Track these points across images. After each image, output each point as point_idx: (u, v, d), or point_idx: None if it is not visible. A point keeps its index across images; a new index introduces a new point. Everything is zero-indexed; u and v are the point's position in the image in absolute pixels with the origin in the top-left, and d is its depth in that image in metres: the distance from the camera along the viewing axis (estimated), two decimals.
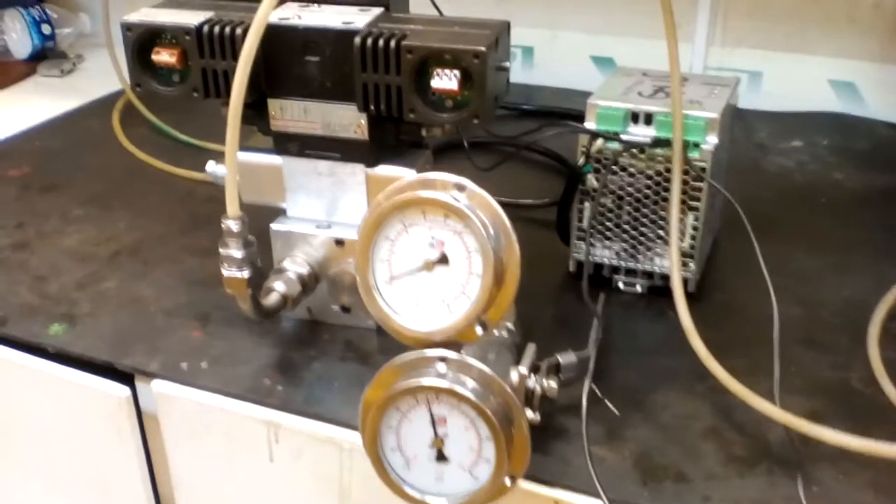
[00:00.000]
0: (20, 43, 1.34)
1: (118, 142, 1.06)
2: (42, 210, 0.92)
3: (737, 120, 0.81)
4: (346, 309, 0.72)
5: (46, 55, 1.36)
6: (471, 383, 0.50)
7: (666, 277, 0.75)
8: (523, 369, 0.57)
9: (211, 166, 0.71)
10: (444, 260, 0.51)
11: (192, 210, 0.91)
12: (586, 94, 0.75)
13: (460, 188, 0.50)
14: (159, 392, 0.67)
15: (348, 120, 0.65)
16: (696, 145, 0.70)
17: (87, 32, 1.41)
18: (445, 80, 0.59)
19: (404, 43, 0.60)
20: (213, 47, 0.63)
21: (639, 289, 0.77)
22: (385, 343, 0.67)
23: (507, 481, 0.52)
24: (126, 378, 0.69)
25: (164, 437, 0.69)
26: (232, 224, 0.60)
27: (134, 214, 0.91)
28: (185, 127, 1.07)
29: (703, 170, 0.71)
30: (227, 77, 0.64)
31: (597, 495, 0.56)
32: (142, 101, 1.13)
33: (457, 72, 0.59)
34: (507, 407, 0.51)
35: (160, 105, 1.12)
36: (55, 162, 1.03)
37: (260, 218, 0.69)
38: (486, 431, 0.50)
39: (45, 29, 1.34)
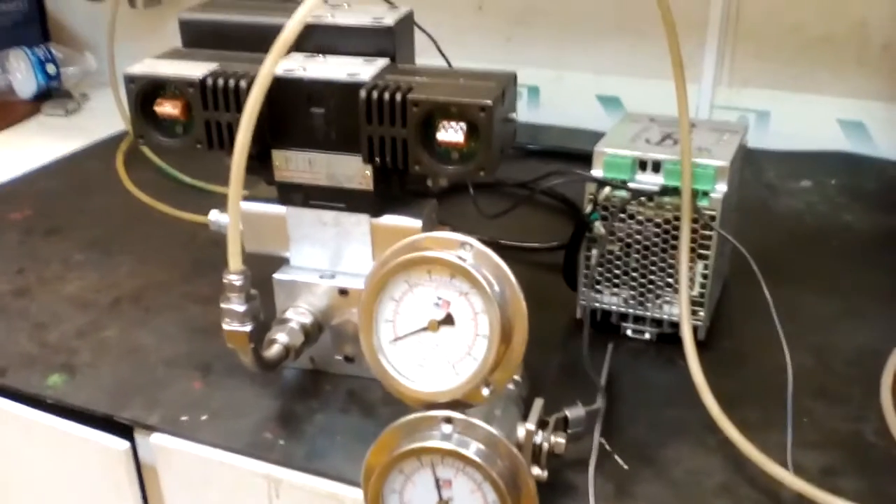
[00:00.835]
0: (24, 82, 1.34)
1: (121, 184, 1.06)
2: (43, 255, 0.91)
3: (745, 161, 0.80)
4: (349, 359, 0.71)
5: (51, 94, 1.36)
6: (476, 446, 0.49)
7: (675, 325, 0.73)
8: (531, 426, 0.56)
9: (214, 215, 0.71)
10: (449, 320, 0.50)
11: (194, 255, 0.90)
12: (592, 133, 0.74)
13: (467, 247, 0.49)
14: (159, 445, 0.66)
15: (353, 171, 0.65)
16: (706, 193, 0.70)
17: (92, 71, 1.41)
18: (451, 133, 0.59)
19: (410, 96, 0.59)
20: (216, 100, 0.63)
21: (647, 336, 0.76)
22: (389, 394, 0.66)
23: None
24: (125, 430, 0.68)
25: (164, 489, 0.68)
26: (234, 278, 0.59)
27: (136, 260, 0.90)
28: (190, 168, 1.07)
29: (713, 218, 0.70)
30: (231, 129, 0.63)
31: None
32: None
33: (463, 124, 0.59)
34: (513, 469, 0.50)
35: (173, 150, 1.11)
36: (58, 205, 1.03)
37: (263, 266, 0.68)
38: (493, 495, 0.49)
39: (50, 69, 1.35)
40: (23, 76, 1.35)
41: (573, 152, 1.09)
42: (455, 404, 0.51)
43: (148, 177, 1.08)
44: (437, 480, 0.49)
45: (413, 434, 0.50)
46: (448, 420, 0.49)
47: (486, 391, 0.50)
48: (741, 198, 0.81)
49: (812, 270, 0.87)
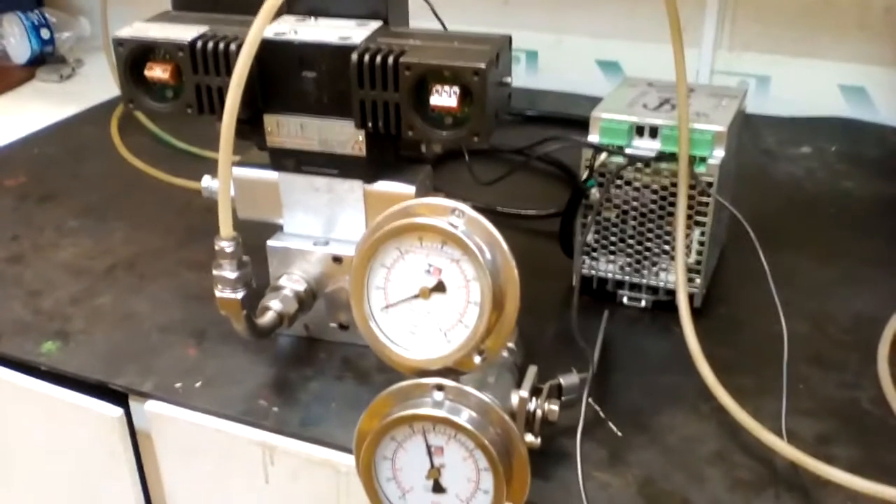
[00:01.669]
0: (19, 48, 1.33)
1: (116, 150, 1.05)
2: (38, 222, 0.91)
3: (744, 126, 0.79)
4: (343, 326, 0.71)
5: (45, 60, 1.34)
6: (468, 413, 0.49)
7: (671, 292, 0.73)
8: (524, 393, 0.55)
9: (206, 181, 0.70)
10: (440, 288, 0.49)
11: (189, 221, 0.89)
12: (591, 99, 0.73)
13: (458, 213, 0.49)
14: (153, 412, 0.66)
15: (346, 136, 0.64)
16: (703, 159, 0.69)
17: (86, 36, 1.39)
18: (445, 98, 0.58)
19: (402, 59, 0.58)
20: (206, 63, 0.62)
21: (643, 304, 0.75)
22: (384, 362, 0.66)
23: None
24: (119, 397, 0.68)
25: (158, 456, 0.68)
26: (225, 245, 0.58)
27: (130, 226, 0.89)
28: (184, 134, 1.06)
29: (710, 185, 0.69)
30: (222, 93, 0.62)
31: None
32: None
33: (456, 88, 0.58)
34: (506, 436, 0.49)
35: (163, 115, 1.10)
36: (52, 171, 1.02)
37: (256, 233, 0.68)
38: (485, 462, 0.49)
39: (44, 33, 1.33)
40: (17, 41, 1.33)
41: (572, 118, 1.08)
42: (447, 372, 0.50)
43: (142, 142, 1.07)
44: (428, 447, 0.49)
45: (405, 401, 0.50)
46: (440, 387, 0.49)
47: (477, 359, 0.50)
48: (740, 164, 0.81)
49: (810, 237, 0.87)
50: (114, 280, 0.81)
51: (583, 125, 0.73)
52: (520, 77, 1.24)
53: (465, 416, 0.48)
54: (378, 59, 0.59)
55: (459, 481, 0.50)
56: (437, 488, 0.50)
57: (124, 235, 0.88)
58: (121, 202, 0.95)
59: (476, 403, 0.49)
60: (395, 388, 0.50)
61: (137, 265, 0.83)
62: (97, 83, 1.26)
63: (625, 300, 0.76)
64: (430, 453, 0.49)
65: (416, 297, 0.50)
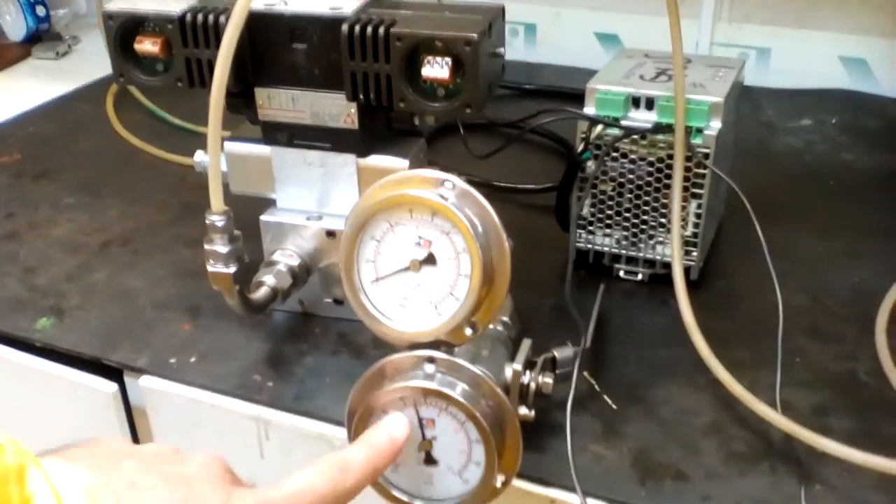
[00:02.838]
0: (14, 25, 1.32)
1: (111, 127, 1.05)
2: (33, 199, 0.91)
3: (743, 98, 0.79)
4: (338, 301, 0.70)
5: (41, 37, 1.33)
6: (460, 385, 0.48)
7: (668, 265, 0.72)
8: (517, 366, 0.55)
9: (200, 156, 0.70)
10: (431, 260, 0.49)
11: (184, 198, 0.89)
12: (590, 72, 0.73)
13: (448, 185, 0.48)
14: (148, 388, 0.66)
15: (337, 109, 0.63)
16: (699, 130, 0.68)
17: (82, 13, 1.38)
18: (436, 69, 0.57)
19: (393, 30, 0.57)
20: (196, 36, 0.61)
21: (640, 277, 0.75)
22: (375, 335, 0.65)
23: (499, 483, 0.50)
24: (114, 373, 0.68)
25: (154, 432, 0.68)
26: (216, 219, 0.58)
27: (126, 202, 0.89)
28: (180, 110, 1.06)
29: (707, 156, 0.68)
30: (212, 66, 0.61)
31: (596, 494, 0.55)
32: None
33: (448, 59, 0.57)
34: (498, 409, 0.49)
35: (154, 89, 1.09)
36: (47, 148, 1.02)
37: (250, 209, 0.68)
38: (476, 434, 0.48)
39: (40, 10, 1.32)
40: (12, 19, 1.32)
41: (570, 91, 1.07)
42: (439, 345, 0.50)
43: (138, 119, 1.06)
44: (420, 420, 0.49)
45: (396, 374, 0.49)
46: (431, 360, 0.49)
47: (469, 331, 0.50)
48: (739, 137, 0.80)
49: (809, 210, 0.86)
50: (109, 256, 0.80)
51: (581, 98, 0.72)
52: (518, 50, 1.23)
53: (456, 389, 0.48)
54: (369, 29, 0.58)
55: (451, 453, 0.50)
56: (429, 460, 0.50)
57: (119, 212, 0.88)
58: (116, 179, 0.94)
59: (468, 376, 0.49)
60: (387, 361, 0.50)
61: (132, 241, 0.83)
62: (93, 60, 1.25)
63: (621, 274, 0.76)
64: (421, 425, 0.49)
65: (406, 269, 0.49)
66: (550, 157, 0.97)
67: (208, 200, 0.58)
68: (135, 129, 1.03)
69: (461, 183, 0.48)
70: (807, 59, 1.13)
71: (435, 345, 0.50)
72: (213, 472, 0.42)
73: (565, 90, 1.08)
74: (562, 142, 0.97)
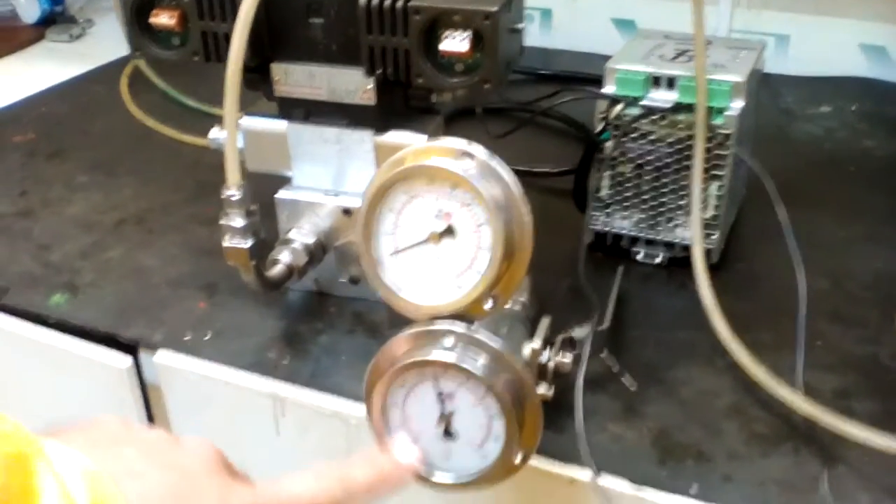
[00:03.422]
0: (28, 7, 1.32)
1: (125, 108, 1.04)
2: (47, 177, 0.90)
3: (763, 85, 0.78)
4: (354, 280, 0.70)
5: (55, 20, 1.33)
6: (480, 359, 0.48)
7: (687, 248, 0.72)
8: (536, 344, 0.55)
9: (214, 132, 0.69)
10: (451, 232, 0.48)
11: (199, 177, 0.89)
12: (607, 59, 0.72)
13: (469, 156, 0.47)
14: (162, 364, 0.65)
15: (355, 85, 0.63)
16: (721, 111, 0.67)
17: None
18: (455, 43, 0.56)
19: (411, 3, 0.57)
20: (212, 8, 0.61)
21: (659, 260, 0.74)
22: (395, 316, 0.64)
23: (518, 459, 0.50)
24: (129, 349, 0.68)
25: (168, 408, 0.67)
26: (232, 193, 0.57)
27: (140, 182, 0.89)
28: (195, 92, 1.05)
29: (728, 137, 0.67)
30: (229, 40, 0.60)
31: (616, 474, 0.54)
32: (149, 67, 1.11)
33: (467, 33, 0.56)
34: (517, 383, 0.48)
35: (168, 70, 1.10)
36: (61, 128, 1.01)
37: (266, 187, 0.67)
38: (496, 408, 0.48)
39: None
40: (26, 1, 1.32)
41: (586, 76, 1.05)
42: (458, 319, 0.49)
43: (152, 100, 1.06)
44: (439, 394, 0.48)
45: (415, 347, 0.49)
46: (450, 333, 0.48)
47: (488, 305, 0.49)
48: (758, 124, 0.79)
49: (830, 195, 0.85)
50: (123, 234, 0.80)
51: (597, 84, 0.71)
52: (533, 36, 1.22)
53: (475, 363, 0.47)
54: (387, 2, 0.57)
55: (471, 428, 0.49)
56: (448, 435, 0.49)
57: (134, 191, 0.87)
58: (130, 158, 0.94)
59: (488, 350, 0.48)
60: (406, 335, 0.49)
61: (147, 220, 0.82)
62: (107, 43, 1.24)
63: (640, 257, 0.75)
64: (440, 400, 0.49)
65: (425, 242, 0.49)
66: (567, 142, 0.96)
67: (223, 180, 0.58)
68: (149, 110, 1.03)
69: (483, 153, 0.47)
70: (826, 47, 1.12)
71: (454, 319, 0.49)
72: (212, 463, 0.41)
73: (581, 75, 1.07)
74: (579, 126, 0.96)
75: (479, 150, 0.47)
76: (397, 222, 0.49)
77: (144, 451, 0.40)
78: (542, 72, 1.11)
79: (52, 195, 0.87)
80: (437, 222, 0.48)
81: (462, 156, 0.47)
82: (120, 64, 1.16)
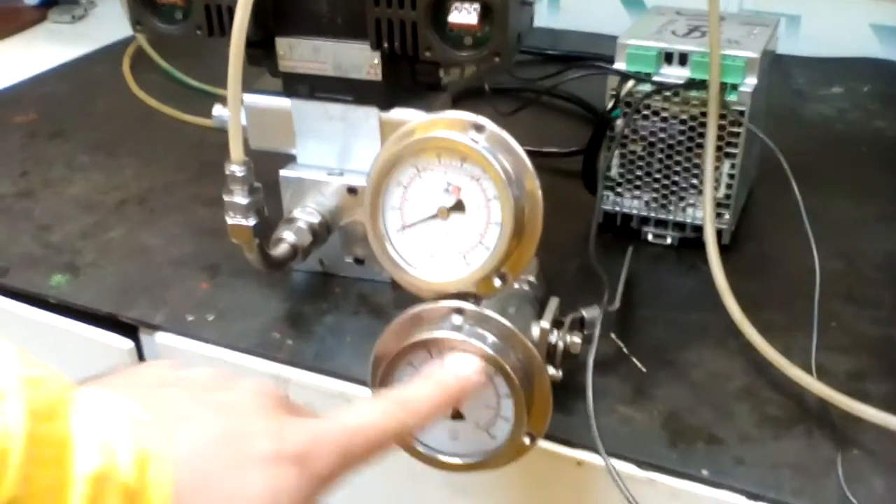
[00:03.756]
0: None
1: (128, 88, 1.03)
2: (48, 157, 0.89)
3: (773, 66, 0.76)
4: (359, 261, 0.69)
5: (57, 1, 1.32)
6: (489, 337, 0.46)
7: (698, 229, 0.71)
8: (545, 324, 0.53)
9: (217, 110, 0.68)
10: (460, 207, 0.47)
11: (202, 158, 0.87)
12: (615, 39, 0.70)
13: (479, 129, 0.46)
14: (164, 345, 0.64)
15: (361, 59, 0.61)
16: (734, 87, 0.66)
17: None
18: (464, 15, 0.55)
19: None
20: None
21: (669, 241, 0.73)
22: (400, 297, 0.64)
23: (527, 441, 0.49)
24: (130, 330, 0.66)
25: None
26: (236, 169, 0.56)
27: (142, 162, 0.88)
28: (197, 73, 1.04)
29: (742, 113, 0.66)
30: (232, 13, 0.59)
31: (625, 457, 0.53)
32: (152, 47, 1.09)
33: (476, 5, 0.55)
34: (528, 363, 0.47)
35: (171, 51, 1.08)
36: (62, 108, 1.00)
37: (270, 165, 0.66)
38: (505, 388, 0.47)
39: None
40: None
41: (595, 56, 1.04)
42: (466, 297, 0.48)
43: (155, 81, 1.05)
44: None
45: (423, 325, 0.48)
46: (459, 311, 0.47)
47: (498, 282, 0.48)
48: (769, 104, 0.78)
49: (842, 176, 0.84)
50: (125, 214, 0.79)
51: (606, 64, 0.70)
52: (541, 16, 1.20)
53: (485, 341, 0.46)
54: None
55: (478, 408, 0.48)
56: (456, 415, 0.48)
57: (136, 171, 0.86)
58: (132, 139, 0.93)
59: (497, 328, 0.47)
60: (413, 313, 0.48)
61: (149, 200, 0.81)
62: (110, 24, 1.23)
63: (650, 237, 0.73)
64: None
65: (433, 217, 0.47)
66: (575, 122, 0.95)
67: (227, 159, 0.57)
68: (152, 91, 1.01)
69: (493, 126, 0.46)
70: (837, 27, 1.10)
71: (462, 297, 0.48)
72: (265, 401, 0.39)
73: (590, 55, 1.06)
74: (586, 106, 0.95)
75: (489, 124, 0.46)
76: (405, 196, 0.48)
77: (192, 393, 0.38)
78: (550, 52, 1.10)
79: (53, 175, 0.86)
80: (445, 197, 0.47)
81: (472, 128, 0.46)
82: (122, 45, 1.14)
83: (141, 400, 0.35)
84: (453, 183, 0.47)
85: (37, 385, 0.32)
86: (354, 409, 0.40)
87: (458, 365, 0.45)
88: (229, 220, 0.58)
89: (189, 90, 1.02)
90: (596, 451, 0.53)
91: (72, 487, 0.31)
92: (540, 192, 0.47)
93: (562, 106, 0.97)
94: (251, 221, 0.58)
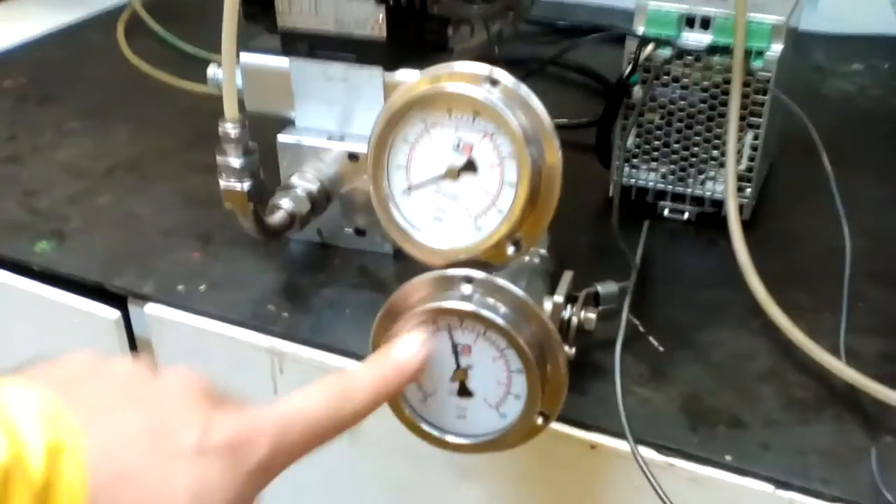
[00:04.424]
0: None
1: (121, 55, 0.99)
2: (37, 122, 0.85)
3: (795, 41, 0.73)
4: (360, 231, 0.65)
5: None
6: (501, 308, 0.43)
7: (717, 203, 0.67)
8: (558, 298, 0.50)
9: (212, 70, 0.64)
10: (471, 167, 0.43)
11: (195, 125, 0.83)
12: (627, 12, 0.67)
13: (494, 82, 0.42)
14: (153, 316, 0.61)
15: (364, 15, 0.57)
16: (760, 53, 0.62)
17: None
18: None
19: None
20: None
21: (686, 216, 0.69)
22: (403, 269, 0.60)
23: (539, 421, 0.45)
24: (118, 300, 0.63)
25: (159, 364, 0.63)
26: (230, 127, 0.53)
27: (134, 128, 0.84)
28: (194, 40, 1.00)
29: (767, 82, 0.62)
30: None
31: (643, 440, 0.49)
32: (148, 12, 1.05)
33: None
34: (543, 337, 0.44)
35: (166, 17, 1.04)
36: (54, 73, 0.96)
37: (267, 132, 0.62)
38: (518, 363, 0.43)
39: None
40: None
41: (606, 27, 1.00)
42: (475, 265, 0.45)
43: (149, 46, 1.01)
44: (454, 346, 0.44)
45: (428, 295, 0.44)
46: (468, 279, 0.43)
47: (511, 250, 0.44)
48: (789, 80, 0.74)
49: (866, 153, 0.80)
50: (114, 181, 0.75)
51: (618, 38, 0.66)
52: None
53: (496, 311, 0.42)
54: None
55: (488, 385, 0.44)
56: (463, 392, 0.45)
57: (127, 138, 0.82)
58: (125, 105, 0.89)
59: (510, 299, 0.43)
60: (418, 281, 0.44)
61: (140, 167, 0.77)
62: None
63: (666, 212, 0.70)
64: (456, 352, 0.44)
65: (442, 177, 0.44)
66: (585, 95, 0.91)
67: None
68: (146, 58, 0.97)
69: (510, 79, 0.42)
70: (856, 4, 1.06)
71: (470, 264, 0.45)
72: (190, 394, 0.36)
73: (602, 27, 1.02)
74: (598, 77, 0.91)
75: (504, 76, 0.42)
76: (412, 155, 0.44)
77: (114, 386, 0.35)
78: (560, 23, 1.06)
79: (41, 141, 0.82)
80: (455, 156, 0.43)
81: (487, 81, 0.42)
82: (117, 11, 1.10)
83: (57, 391, 0.33)
84: (464, 140, 0.43)
85: None
86: (288, 397, 0.38)
87: (398, 348, 0.42)
88: (222, 183, 0.55)
89: (185, 57, 0.99)
90: (612, 433, 0.50)
91: None
92: (560, 153, 0.43)
93: (571, 78, 0.94)
94: (245, 185, 0.54)
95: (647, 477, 0.46)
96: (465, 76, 0.43)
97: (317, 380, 0.40)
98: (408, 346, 0.43)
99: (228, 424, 0.35)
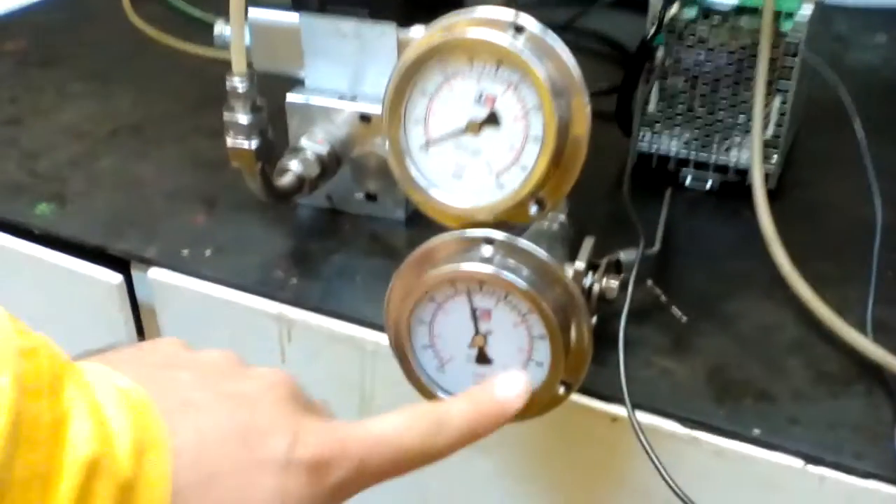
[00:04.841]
0: None
1: (126, 18, 0.96)
2: (38, 85, 0.83)
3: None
4: (371, 197, 0.63)
5: None
6: (523, 270, 0.41)
7: (742, 172, 0.65)
8: (580, 265, 0.48)
9: (219, 27, 0.62)
10: (493, 120, 0.41)
11: (201, 88, 0.81)
12: None
13: (518, 28, 0.40)
14: (157, 280, 0.59)
15: None
16: (790, 15, 0.60)
17: None
18: None
19: None
20: None
21: (709, 185, 0.67)
22: (416, 236, 0.58)
23: (561, 390, 0.43)
24: (120, 264, 0.61)
25: (162, 330, 0.61)
26: (237, 81, 0.50)
27: (138, 91, 0.82)
28: (199, 2, 0.97)
29: (797, 45, 0.60)
30: None
31: (666, 413, 0.47)
32: None
33: None
34: (566, 302, 0.42)
35: None
36: (56, 36, 0.94)
37: (276, 92, 0.60)
38: (541, 329, 0.41)
39: None
40: None
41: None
42: (496, 226, 0.42)
43: (155, 11, 0.98)
44: (473, 311, 0.42)
45: (447, 257, 0.42)
46: (489, 241, 0.41)
47: (534, 209, 0.42)
48: (814, 49, 0.71)
49: (890, 123, 0.78)
50: (117, 144, 0.73)
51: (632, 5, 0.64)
52: None
53: (519, 274, 0.40)
54: None
55: (508, 351, 0.42)
56: (482, 359, 0.43)
57: (131, 100, 0.80)
58: (129, 68, 0.87)
59: (533, 261, 0.41)
60: (436, 242, 0.42)
61: (144, 130, 0.75)
62: None
63: (688, 181, 0.68)
64: (475, 318, 0.42)
65: (463, 131, 0.41)
66: (602, 63, 0.88)
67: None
68: (152, 22, 0.95)
69: (535, 24, 0.40)
70: None
71: (490, 225, 0.42)
72: (281, 396, 0.35)
73: None
74: (615, 45, 0.88)
75: (530, 22, 0.40)
76: (430, 108, 0.41)
77: (202, 377, 0.34)
78: None
79: (43, 103, 0.80)
80: (477, 108, 0.41)
81: (510, 27, 0.40)
82: None
83: (145, 381, 0.31)
84: (487, 92, 0.40)
85: (30, 357, 0.27)
86: (379, 418, 0.36)
87: (501, 386, 0.40)
88: (229, 141, 0.52)
89: (191, 21, 0.96)
90: (636, 405, 0.48)
91: (61, 474, 0.26)
92: (588, 108, 0.41)
93: (587, 46, 0.91)
94: (253, 143, 0.52)
95: (643, 447, 0.44)
96: (487, 22, 0.40)
97: (408, 405, 0.38)
98: (512, 386, 0.41)
99: (317, 439, 0.34)
